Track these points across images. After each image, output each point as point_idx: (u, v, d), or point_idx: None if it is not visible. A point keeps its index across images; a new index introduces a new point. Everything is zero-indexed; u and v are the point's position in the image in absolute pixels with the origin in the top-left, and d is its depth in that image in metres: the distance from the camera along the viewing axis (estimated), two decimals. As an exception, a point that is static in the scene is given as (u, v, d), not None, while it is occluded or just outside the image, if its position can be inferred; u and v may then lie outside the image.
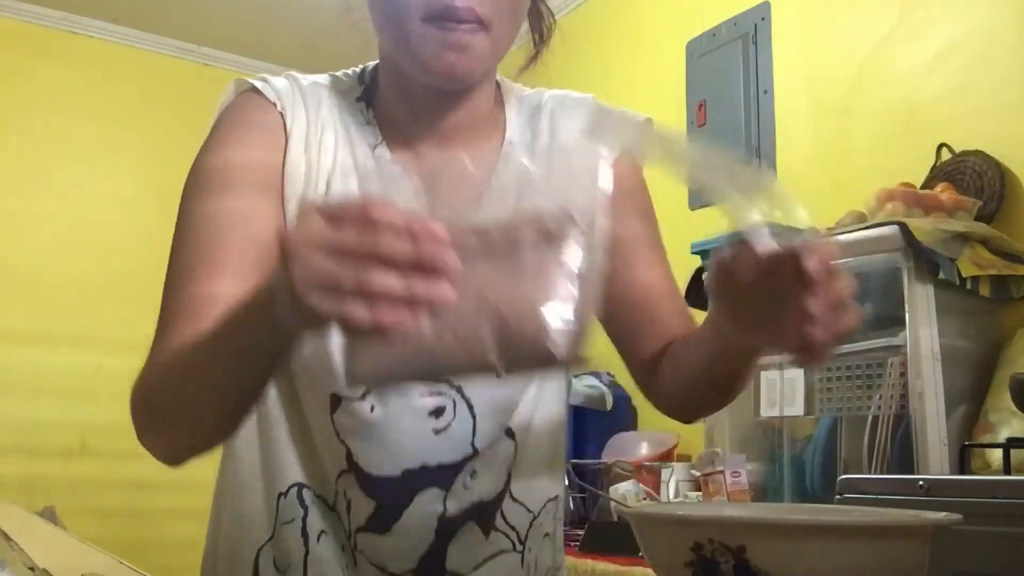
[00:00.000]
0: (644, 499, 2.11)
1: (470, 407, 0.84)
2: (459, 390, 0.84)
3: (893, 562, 0.54)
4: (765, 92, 2.50)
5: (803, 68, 2.42)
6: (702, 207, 2.66)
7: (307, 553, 0.85)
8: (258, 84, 0.85)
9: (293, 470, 0.85)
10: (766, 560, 0.53)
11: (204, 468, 0.96)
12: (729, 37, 2.62)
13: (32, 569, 0.94)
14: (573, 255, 0.53)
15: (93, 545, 1.25)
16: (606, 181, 0.56)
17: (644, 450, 2.35)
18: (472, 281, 0.51)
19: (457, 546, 0.86)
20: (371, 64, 0.91)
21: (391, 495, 0.83)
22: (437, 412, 0.83)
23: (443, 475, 0.84)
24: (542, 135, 0.91)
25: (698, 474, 2.07)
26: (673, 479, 2.16)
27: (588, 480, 2.33)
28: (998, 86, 1.94)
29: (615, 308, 0.90)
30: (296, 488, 0.86)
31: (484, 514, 0.87)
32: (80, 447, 3.31)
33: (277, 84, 0.85)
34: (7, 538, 1.27)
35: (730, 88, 2.58)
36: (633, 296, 0.91)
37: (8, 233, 3.37)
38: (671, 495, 2.14)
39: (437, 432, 0.83)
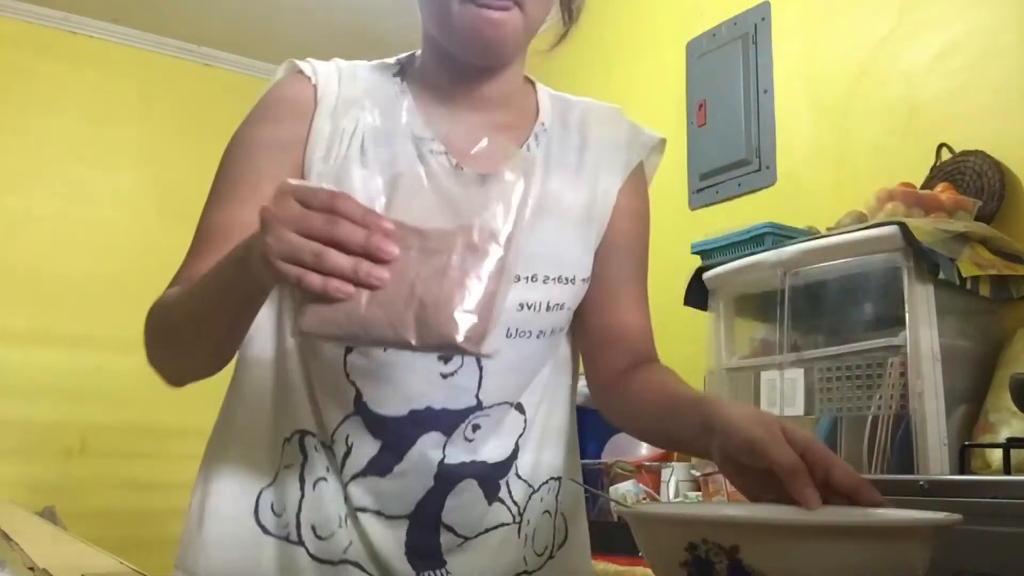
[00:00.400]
0: (644, 499, 2.10)
1: (478, 360, 0.88)
2: None
3: (893, 562, 0.54)
4: (765, 92, 2.50)
5: (803, 68, 2.42)
6: (702, 207, 2.67)
7: (302, 498, 0.88)
8: (301, 64, 0.94)
9: (301, 416, 0.89)
10: (760, 561, 0.53)
11: (204, 468, 0.96)
12: (729, 37, 2.62)
13: (32, 569, 0.94)
14: (489, 266, 0.64)
15: (93, 545, 1.25)
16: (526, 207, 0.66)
17: (644, 450, 2.35)
18: (406, 272, 0.63)
19: (456, 501, 0.90)
20: (407, 52, 0.99)
21: (396, 435, 0.87)
22: (446, 357, 0.87)
23: (446, 421, 0.88)
24: (572, 131, 0.98)
25: (698, 474, 2.07)
26: (673, 479, 2.16)
27: (588, 480, 2.33)
28: (998, 86, 1.93)
29: (589, 329, 0.99)
30: (299, 435, 0.89)
31: (488, 478, 0.91)
32: (80, 447, 3.31)
33: (318, 64, 0.94)
34: (7, 538, 1.27)
35: (730, 88, 2.58)
36: (608, 324, 0.98)
37: (8, 233, 3.37)
38: (671, 495, 2.14)
39: (444, 376, 0.87)
